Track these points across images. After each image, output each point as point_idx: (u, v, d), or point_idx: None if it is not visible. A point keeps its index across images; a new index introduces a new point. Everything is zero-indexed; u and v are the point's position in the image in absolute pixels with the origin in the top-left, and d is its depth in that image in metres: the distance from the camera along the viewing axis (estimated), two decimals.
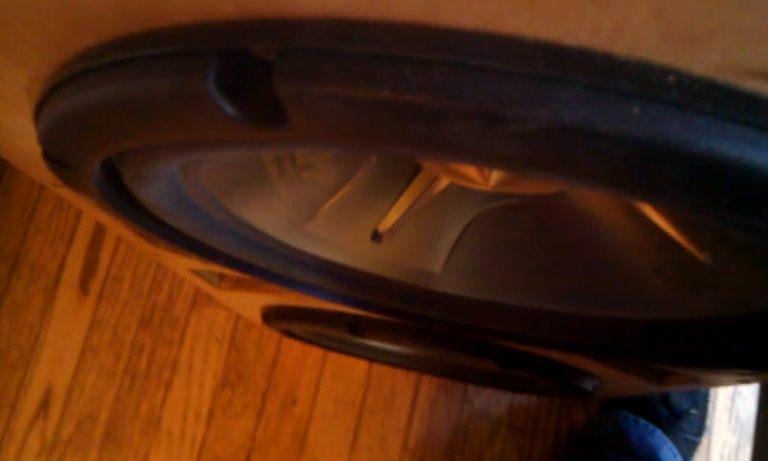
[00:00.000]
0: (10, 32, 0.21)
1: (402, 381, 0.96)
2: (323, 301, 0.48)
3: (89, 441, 0.97)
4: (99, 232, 1.05)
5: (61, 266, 1.04)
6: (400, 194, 0.39)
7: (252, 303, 0.71)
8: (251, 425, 0.96)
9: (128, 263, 1.03)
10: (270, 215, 0.37)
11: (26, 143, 0.28)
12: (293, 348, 0.98)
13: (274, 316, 0.70)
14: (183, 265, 0.57)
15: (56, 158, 0.24)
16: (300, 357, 0.97)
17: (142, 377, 0.99)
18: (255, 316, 0.77)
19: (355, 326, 0.59)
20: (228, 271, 0.58)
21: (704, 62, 0.16)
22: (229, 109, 0.19)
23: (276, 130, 0.20)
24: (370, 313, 0.45)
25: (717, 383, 0.65)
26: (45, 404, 0.99)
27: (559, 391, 0.77)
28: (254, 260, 0.36)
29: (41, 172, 0.32)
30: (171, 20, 0.19)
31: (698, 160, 0.17)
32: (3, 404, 0.99)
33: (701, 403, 0.87)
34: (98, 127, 0.21)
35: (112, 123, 0.21)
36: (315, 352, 0.97)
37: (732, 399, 0.92)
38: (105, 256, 1.04)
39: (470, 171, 0.34)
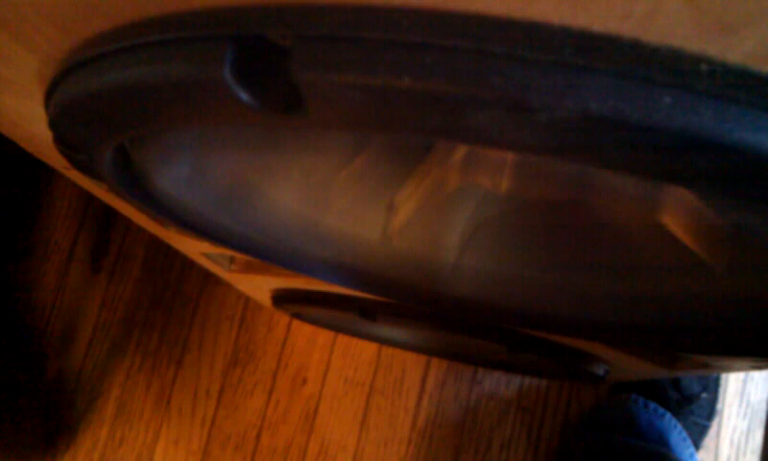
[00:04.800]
0: (19, 16, 0.21)
1: (412, 362, 0.96)
2: (334, 285, 0.48)
3: (100, 418, 0.98)
4: (111, 210, 1.05)
5: (74, 243, 1.04)
6: (411, 173, 0.39)
7: (262, 285, 0.71)
8: (261, 404, 0.96)
9: (139, 241, 1.04)
10: (281, 195, 0.37)
11: (37, 128, 0.28)
12: (303, 327, 0.98)
13: (284, 299, 0.70)
14: (194, 248, 0.56)
15: (67, 144, 0.24)
16: (311, 337, 0.98)
17: (153, 355, 0.99)
18: (265, 299, 0.77)
19: (366, 310, 0.58)
20: (239, 255, 0.58)
21: (737, 50, 0.16)
22: (245, 96, 0.19)
23: (293, 116, 0.19)
24: (382, 298, 0.45)
25: (729, 369, 0.64)
26: (57, 381, 1.00)
27: (569, 375, 0.77)
28: (266, 245, 0.36)
29: (53, 156, 0.32)
30: (185, 4, 0.19)
31: (730, 151, 0.16)
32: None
33: (711, 387, 0.87)
34: (110, 113, 0.21)
35: (125, 109, 0.21)
36: (325, 332, 0.97)
37: (744, 383, 0.92)
38: (117, 234, 1.04)
39: (482, 179, 0.33)
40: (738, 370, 0.64)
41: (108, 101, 0.20)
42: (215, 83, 0.18)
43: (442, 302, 0.41)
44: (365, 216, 0.39)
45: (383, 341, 0.87)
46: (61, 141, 0.24)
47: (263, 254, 0.36)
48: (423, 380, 0.95)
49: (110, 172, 0.26)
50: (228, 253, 0.60)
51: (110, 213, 1.05)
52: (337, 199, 0.39)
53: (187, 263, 1.02)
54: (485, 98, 0.17)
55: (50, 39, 0.22)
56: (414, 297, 0.40)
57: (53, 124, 0.23)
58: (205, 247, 0.53)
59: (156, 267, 1.02)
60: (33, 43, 0.22)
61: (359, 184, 0.38)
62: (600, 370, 0.66)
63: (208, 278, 1.01)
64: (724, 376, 0.90)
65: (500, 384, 0.95)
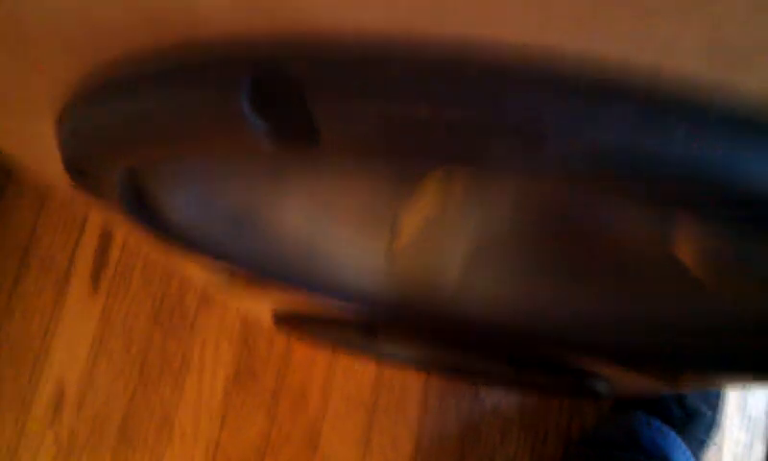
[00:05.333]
0: (33, 41, 0.21)
1: (413, 381, 0.95)
2: (339, 308, 0.48)
3: (102, 442, 0.97)
4: (109, 226, 1.04)
5: (72, 259, 1.04)
6: (415, 192, 0.39)
7: (262, 305, 0.71)
8: (264, 425, 0.96)
9: (137, 257, 1.03)
10: (287, 216, 0.37)
11: (44, 147, 0.28)
12: (304, 345, 0.98)
13: (284, 318, 0.69)
14: (195, 270, 0.56)
15: (77, 167, 0.24)
16: (312, 355, 0.97)
17: (154, 376, 0.99)
18: (265, 317, 0.77)
19: (368, 328, 0.58)
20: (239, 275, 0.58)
21: (750, 88, 0.16)
22: (262, 127, 0.19)
23: (309, 146, 0.20)
24: (391, 322, 0.45)
25: (734, 385, 0.64)
26: (58, 403, 0.99)
27: (571, 392, 0.77)
28: (272, 266, 0.36)
29: (58, 175, 0.32)
30: (202, 35, 0.19)
31: (741, 185, 0.16)
32: (15, 401, 0.99)
33: (714, 403, 0.87)
34: (123, 140, 0.21)
35: (138, 137, 0.21)
36: (326, 350, 0.97)
37: (744, 396, 0.92)
38: (114, 250, 1.04)
39: (486, 199, 0.34)
40: (742, 386, 0.64)
41: (123, 128, 0.20)
42: (232, 114, 0.19)
43: (445, 321, 0.41)
44: (369, 237, 0.39)
45: (384, 357, 0.87)
46: (72, 164, 0.24)
47: (269, 274, 0.36)
48: (425, 399, 0.95)
49: (119, 194, 0.26)
50: (228, 272, 0.60)
51: (108, 229, 1.05)
52: (341, 220, 0.39)
53: (185, 281, 1.02)
54: (501, 128, 0.17)
55: (64, 65, 0.22)
56: (418, 317, 0.40)
57: (65, 148, 0.23)
58: (207, 268, 0.53)
59: (154, 283, 1.02)
60: (47, 68, 0.22)
61: (363, 206, 0.39)
62: (602, 387, 0.66)
63: (207, 295, 1.01)
64: (725, 392, 0.90)
65: (501, 402, 0.94)
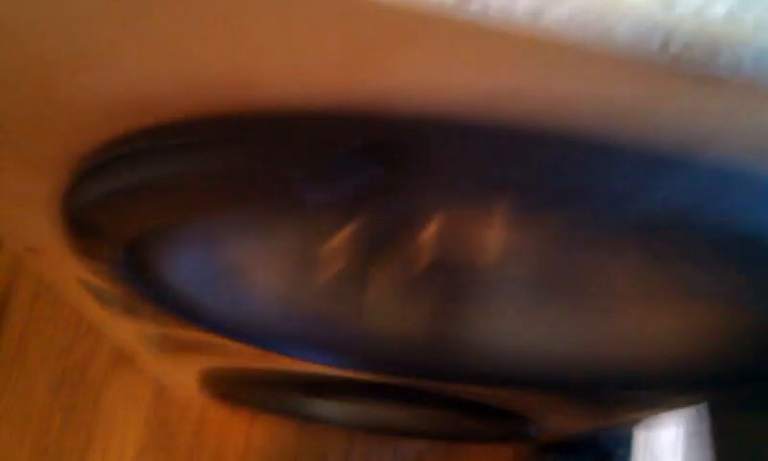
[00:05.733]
0: (59, 109, 0.20)
1: (334, 439, 0.94)
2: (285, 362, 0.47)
3: None
4: (8, 288, 0.96)
5: None
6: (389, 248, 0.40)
7: (189, 367, 0.68)
8: None
9: (41, 323, 0.95)
10: (266, 276, 0.37)
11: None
12: (219, 409, 0.93)
13: (216, 380, 0.67)
14: (132, 331, 0.54)
15: (88, 227, 0.23)
16: (229, 421, 0.93)
17: (54, 451, 0.90)
18: (188, 381, 0.73)
19: (312, 387, 0.58)
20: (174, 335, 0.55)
21: None
22: (312, 198, 0.19)
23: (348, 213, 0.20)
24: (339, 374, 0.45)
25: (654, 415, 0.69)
26: None
27: (502, 437, 0.78)
28: (249, 328, 0.35)
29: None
30: (254, 107, 0.19)
31: None
32: None
33: (625, 444, 0.92)
34: (157, 204, 0.20)
35: (175, 202, 0.20)
36: (245, 415, 0.93)
37: (647, 437, 0.98)
38: (16, 316, 0.95)
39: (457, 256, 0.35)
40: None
41: (161, 193, 0.20)
42: (283, 184, 0.18)
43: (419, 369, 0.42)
44: (344, 291, 0.39)
45: (312, 418, 0.85)
46: (85, 224, 0.23)
47: (244, 337, 0.35)
48: (347, 457, 0.94)
49: (119, 262, 0.25)
50: (165, 333, 0.57)
51: (7, 292, 0.96)
52: (317, 275, 0.39)
53: (93, 346, 0.95)
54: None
55: (84, 131, 0.21)
56: (390, 368, 0.40)
57: (79, 209, 0.22)
58: (149, 329, 0.51)
59: (58, 351, 0.94)
60: (64, 130, 0.21)
61: (338, 260, 0.39)
62: (533, 431, 0.69)
63: (116, 361, 0.94)
64: (635, 432, 0.96)
65: (422, 451, 0.95)
